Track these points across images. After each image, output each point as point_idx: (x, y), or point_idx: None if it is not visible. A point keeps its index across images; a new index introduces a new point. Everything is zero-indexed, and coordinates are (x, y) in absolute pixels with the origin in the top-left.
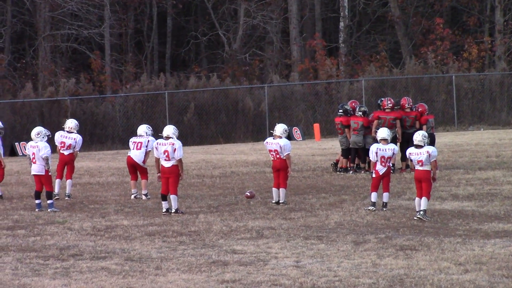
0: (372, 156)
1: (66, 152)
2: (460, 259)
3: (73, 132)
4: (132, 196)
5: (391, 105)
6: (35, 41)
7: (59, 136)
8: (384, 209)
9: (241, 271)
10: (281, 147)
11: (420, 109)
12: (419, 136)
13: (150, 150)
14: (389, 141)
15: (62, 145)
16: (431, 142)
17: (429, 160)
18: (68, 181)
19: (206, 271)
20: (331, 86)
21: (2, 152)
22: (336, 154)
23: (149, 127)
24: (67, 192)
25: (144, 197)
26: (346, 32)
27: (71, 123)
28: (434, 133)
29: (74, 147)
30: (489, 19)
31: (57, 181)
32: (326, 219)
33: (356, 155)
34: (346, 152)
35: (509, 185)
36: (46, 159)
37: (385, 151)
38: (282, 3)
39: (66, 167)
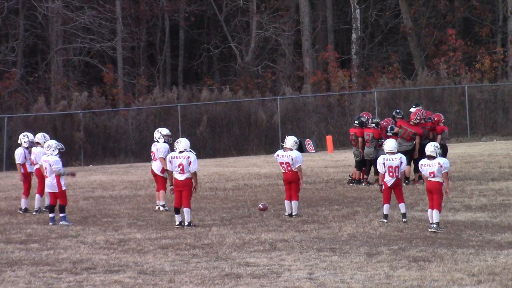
0: (380, 167)
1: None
2: (473, 270)
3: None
4: (156, 207)
5: (418, 120)
6: (47, 55)
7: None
8: (404, 219)
9: (254, 283)
10: (293, 159)
11: (436, 118)
12: (431, 147)
13: (162, 157)
14: (395, 153)
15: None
16: (444, 153)
17: (441, 172)
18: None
19: (219, 284)
20: (343, 98)
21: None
22: (349, 166)
23: (159, 131)
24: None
25: (161, 208)
26: (359, 44)
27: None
28: (447, 145)
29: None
30: (502, 30)
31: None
32: (339, 231)
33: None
34: (360, 164)
35: None
36: (58, 173)
37: (392, 160)
38: (294, 15)
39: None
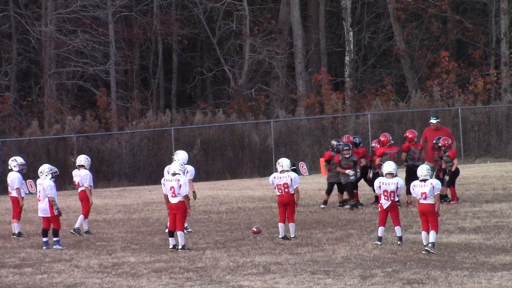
0: (376, 190)
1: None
2: None
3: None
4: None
5: (392, 141)
6: (40, 79)
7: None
8: (399, 243)
9: None
10: (292, 180)
11: (447, 143)
12: (424, 171)
13: (190, 179)
14: (394, 175)
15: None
16: (456, 175)
17: (433, 193)
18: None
19: None
20: (337, 121)
21: (23, 191)
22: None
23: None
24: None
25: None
26: (352, 66)
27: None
28: (458, 168)
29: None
30: (495, 52)
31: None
32: (333, 254)
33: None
34: (339, 186)
35: None
36: (51, 199)
37: (388, 185)
38: (287, 38)
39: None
